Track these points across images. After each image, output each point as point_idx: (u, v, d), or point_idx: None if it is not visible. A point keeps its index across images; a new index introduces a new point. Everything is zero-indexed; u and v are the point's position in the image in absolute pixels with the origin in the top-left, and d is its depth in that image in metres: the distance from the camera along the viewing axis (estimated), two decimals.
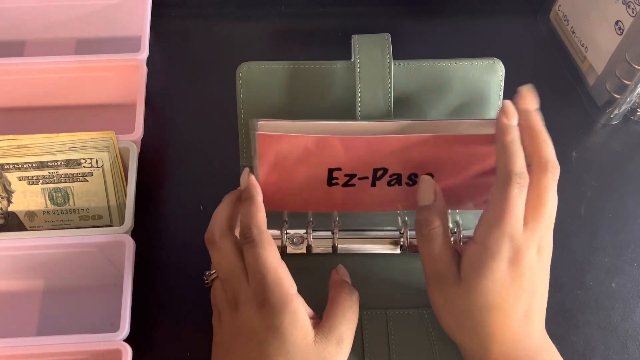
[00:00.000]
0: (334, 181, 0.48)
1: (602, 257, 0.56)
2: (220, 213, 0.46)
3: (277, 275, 0.41)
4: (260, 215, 0.44)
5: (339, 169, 0.47)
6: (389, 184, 0.48)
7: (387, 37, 0.49)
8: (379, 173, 0.47)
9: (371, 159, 0.46)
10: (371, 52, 0.48)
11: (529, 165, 0.43)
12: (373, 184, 0.48)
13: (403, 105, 0.49)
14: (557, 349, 0.51)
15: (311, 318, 0.42)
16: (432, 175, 0.47)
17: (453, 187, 0.48)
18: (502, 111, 0.43)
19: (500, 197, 0.42)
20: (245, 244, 0.43)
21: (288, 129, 0.45)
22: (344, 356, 0.42)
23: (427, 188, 0.45)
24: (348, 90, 0.49)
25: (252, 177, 0.46)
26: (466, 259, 0.43)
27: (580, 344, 0.52)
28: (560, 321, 0.52)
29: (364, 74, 0.48)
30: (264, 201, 0.46)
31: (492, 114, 0.50)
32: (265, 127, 0.45)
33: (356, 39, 0.49)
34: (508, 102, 0.44)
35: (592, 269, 0.55)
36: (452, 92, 0.49)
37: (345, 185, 0.48)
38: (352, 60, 0.48)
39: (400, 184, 0.48)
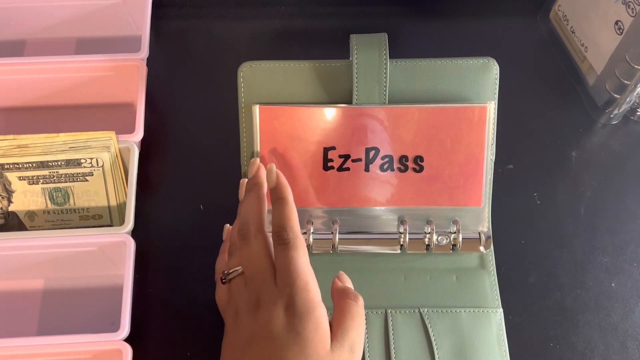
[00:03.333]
0: (329, 164, 0.50)
1: (602, 257, 0.56)
2: (255, 207, 0.45)
3: (307, 281, 0.42)
4: (295, 217, 0.44)
5: (334, 147, 0.50)
6: (381, 168, 0.50)
7: (384, 36, 0.50)
8: (371, 153, 0.50)
9: (363, 135, 0.49)
10: (368, 51, 0.49)
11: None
12: (366, 168, 0.50)
13: (399, 103, 0.50)
14: (557, 349, 0.52)
15: None
16: (421, 159, 0.50)
17: (443, 176, 0.50)
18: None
19: None
20: (279, 245, 0.43)
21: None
22: None
23: None
24: (346, 88, 0.50)
25: (281, 175, 0.46)
26: None
27: (580, 344, 0.52)
28: (560, 321, 0.53)
29: (361, 73, 0.49)
30: None
31: None
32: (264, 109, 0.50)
33: (354, 39, 0.50)
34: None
35: (592, 269, 0.55)
36: (447, 90, 0.50)
37: (340, 169, 0.50)
38: (350, 59, 0.49)
39: (392, 170, 0.50)
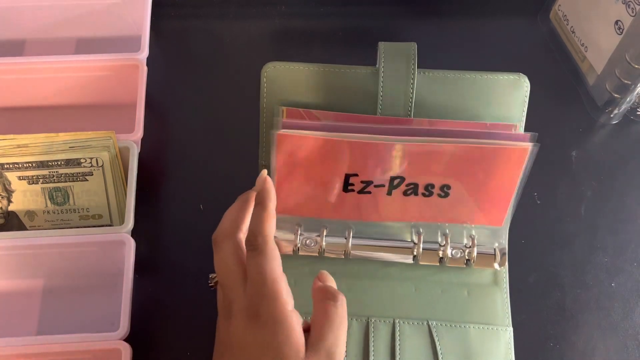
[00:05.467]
0: (350, 187, 0.48)
1: (602, 257, 0.56)
2: (229, 214, 0.44)
3: (275, 289, 0.39)
4: (269, 223, 0.42)
5: (356, 174, 0.47)
6: (405, 193, 0.48)
7: (414, 46, 0.48)
8: (396, 181, 0.48)
9: (388, 165, 0.47)
10: (396, 61, 0.48)
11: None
12: (389, 193, 0.48)
13: (423, 115, 0.48)
14: (557, 348, 0.52)
15: (306, 331, 0.40)
16: (448, 187, 0.48)
17: (469, 202, 0.49)
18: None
19: None
20: (249, 251, 0.41)
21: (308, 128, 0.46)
22: None
23: None
24: (370, 96, 0.48)
25: (269, 182, 0.44)
26: None
27: (580, 344, 0.52)
28: (560, 321, 0.53)
29: (387, 82, 0.48)
30: (278, 205, 0.44)
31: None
32: (287, 124, 0.46)
33: (382, 47, 0.48)
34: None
35: (592, 269, 0.55)
36: (474, 105, 0.48)
37: (361, 192, 0.48)
38: (377, 66, 0.48)
39: (416, 194, 0.48)
